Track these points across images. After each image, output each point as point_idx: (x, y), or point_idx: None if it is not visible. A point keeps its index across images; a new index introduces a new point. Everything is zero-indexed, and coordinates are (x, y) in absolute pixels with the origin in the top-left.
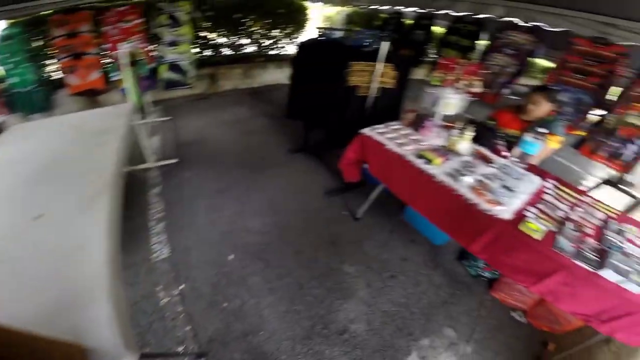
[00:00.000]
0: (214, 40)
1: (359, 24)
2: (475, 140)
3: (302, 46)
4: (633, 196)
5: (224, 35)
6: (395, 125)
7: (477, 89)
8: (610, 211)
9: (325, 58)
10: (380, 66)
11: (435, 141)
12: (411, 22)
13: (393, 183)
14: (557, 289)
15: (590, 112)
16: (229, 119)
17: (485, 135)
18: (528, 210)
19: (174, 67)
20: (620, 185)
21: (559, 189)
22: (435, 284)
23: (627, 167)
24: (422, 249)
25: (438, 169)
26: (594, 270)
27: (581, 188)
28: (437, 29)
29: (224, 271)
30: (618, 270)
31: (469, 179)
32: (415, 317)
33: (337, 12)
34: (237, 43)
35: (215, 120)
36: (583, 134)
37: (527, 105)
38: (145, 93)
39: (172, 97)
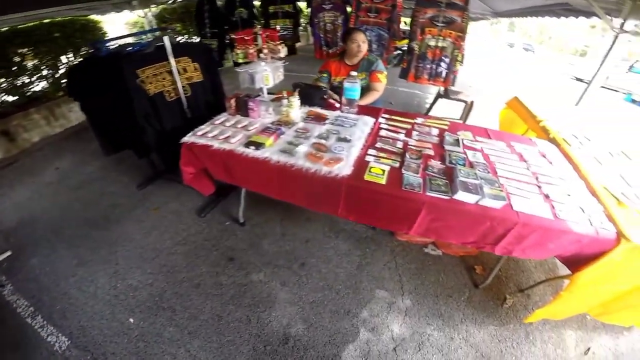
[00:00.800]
0: None
1: (176, 19)
2: (308, 102)
3: (73, 71)
4: (463, 100)
5: None
6: (221, 118)
7: (282, 53)
8: (442, 124)
9: (105, 76)
10: (174, 63)
11: (266, 120)
12: (221, 2)
13: (241, 180)
14: (431, 226)
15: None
16: (53, 179)
17: (315, 95)
18: (368, 154)
19: None
20: (450, 96)
21: (392, 120)
22: (343, 252)
23: (446, 81)
24: (319, 224)
25: (271, 149)
26: (449, 198)
27: (425, 110)
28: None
29: (135, 336)
30: (469, 189)
31: (303, 148)
32: (344, 294)
33: (144, 15)
34: (20, 83)
35: (36, 187)
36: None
37: (350, 47)
38: None
39: None
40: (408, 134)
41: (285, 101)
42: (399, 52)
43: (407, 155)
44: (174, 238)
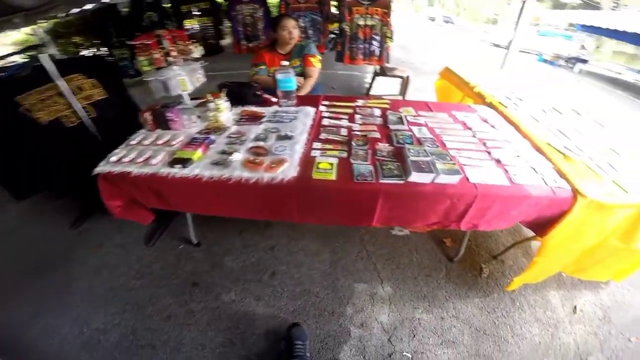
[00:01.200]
0: None
1: (74, 33)
2: (240, 101)
3: None
4: (399, 76)
5: None
6: (138, 136)
7: (197, 53)
8: (383, 103)
9: None
10: (63, 83)
11: (192, 130)
12: (126, 9)
13: (177, 205)
14: (392, 214)
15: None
16: None
17: (246, 92)
18: (314, 149)
19: None
20: (387, 73)
21: (332, 106)
22: (313, 252)
23: (381, 59)
24: (282, 228)
25: (201, 164)
26: (404, 181)
27: (366, 90)
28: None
29: None
30: (422, 168)
31: (239, 155)
32: (323, 295)
33: (32, 32)
34: None
35: None
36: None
37: (281, 35)
38: None
39: None
40: (351, 118)
41: (211, 105)
42: (332, 35)
43: (354, 143)
44: (127, 273)
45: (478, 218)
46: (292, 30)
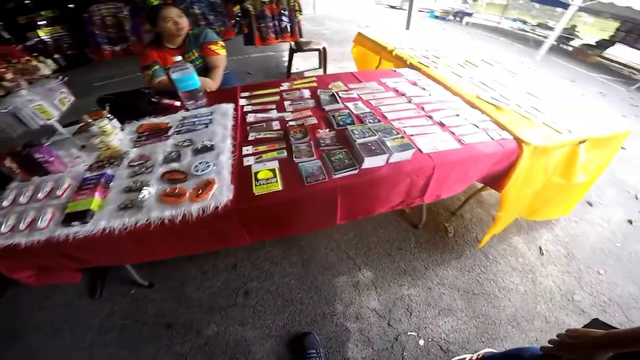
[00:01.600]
0: None
1: None
2: (132, 115)
3: None
4: (315, 49)
5: None
6: (9, 194)
7: (46, 69)
8: (309, 82)
9: None
10: None
11: (79, 167)
12: None
13: (101, 261)
14: (354, 208)
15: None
16: None
17: (137, 102)
18: (245, 156)
19: None
20: (303, 48)
21: (254, 97)
22: (280, 257)
23: (294, 35)
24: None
25: (105, 212)
26: (358, 170)
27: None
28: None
29: None
30: (373, 151)
31: (151, 188)
32: (307, 300)
33: None
34: None
35: None
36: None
37: (165, 28)
38: None
39: None
40: (280, 107)
41: (94, 129)
42: (236, 19)
43: (292, 137)
44: (90, 330)
45: (440, 188)
46: (178, 19)
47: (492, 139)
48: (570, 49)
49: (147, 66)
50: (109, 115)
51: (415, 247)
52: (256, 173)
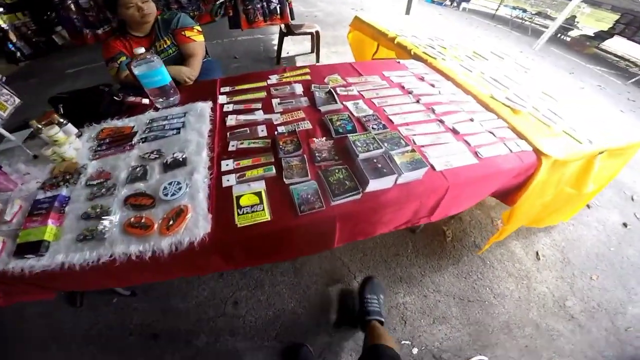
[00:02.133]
0: None
1: None
2: (92, 117)
3: None
4: (308, 33)
5: None
6: None
7: None
8: (302, 74)
9: None
10: None
11: (30, 184)
12: None
13: (75, 287)
14: (355, 232)
15: None
16: None
17: (98, 101)
18: (225, 173)
19: None
20: (294, 31)
21: (236, 92)
22: (269, 265)
23: (284, 17)
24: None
25: (62, 244)
26: (361, 194)
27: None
28: None
29: None
30: (380, 171)
31: (109, 219)
32: (300, 310)
33: None
34: None
35: None
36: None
37: (128, 15)
38: None
39: None
40: (266, 106)
41: (44, 137)
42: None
43: (281, 149)
44: (75, 341)
45: (450, 206)
46: (142, 4)
47: (511, 151)
48: (568, 39)
49: (111, 58)
50: (61, 120)
51: (412, 253)
52: (238, 197)
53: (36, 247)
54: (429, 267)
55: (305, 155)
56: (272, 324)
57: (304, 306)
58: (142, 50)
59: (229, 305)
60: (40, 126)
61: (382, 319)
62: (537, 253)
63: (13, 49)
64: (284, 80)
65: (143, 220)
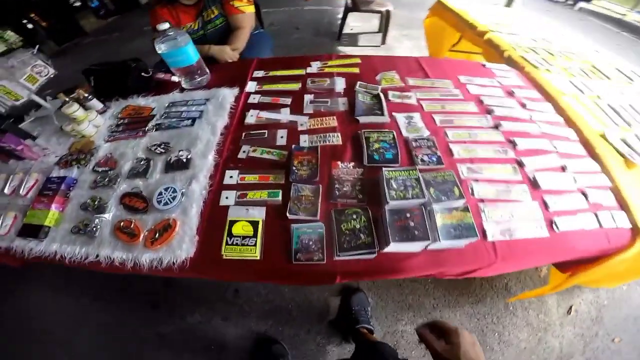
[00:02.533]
0: None
1: None
2: (119, 92)
3: None
4: (377, 11)
5: None
6: None
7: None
8: (350, 65)
9: None
10: None
11: (49, 158)
12: None
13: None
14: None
15: None
16: None
17: (127, 75)
18: (225, 189)
19: None
20: (361, 7)
21: (268, 79)
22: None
23: None
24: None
25: (58, 232)
26: (376, 254)
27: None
28: None
29: None
30: (406, 229)
31: (107, 217)
32: (296, 313)
33: None
34: None
35: None
36: None
37: None
38: None
39: None
40: (296, 101)
41: (70, 108)
42: None
43: (294, 168)
44: (86, 293)
45: (486, 274)
46: None
47: (600, 226)
48: None
49: (155, 27)
50: (86, 94)
51: (432, 283)
52: (232, 223)
53: (37, 232)
54: (445, 302)
55: (320, 186)
56: (265, 319)
57: (302, 310)
58: (166, 25)
59: (230, 292)
60: (67, 99)
61: (372, 328)
62: (570, 307)
63: (99, 5)
64: (326, 70)
65: (132, 226)
